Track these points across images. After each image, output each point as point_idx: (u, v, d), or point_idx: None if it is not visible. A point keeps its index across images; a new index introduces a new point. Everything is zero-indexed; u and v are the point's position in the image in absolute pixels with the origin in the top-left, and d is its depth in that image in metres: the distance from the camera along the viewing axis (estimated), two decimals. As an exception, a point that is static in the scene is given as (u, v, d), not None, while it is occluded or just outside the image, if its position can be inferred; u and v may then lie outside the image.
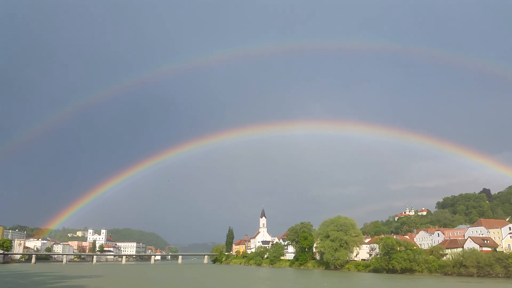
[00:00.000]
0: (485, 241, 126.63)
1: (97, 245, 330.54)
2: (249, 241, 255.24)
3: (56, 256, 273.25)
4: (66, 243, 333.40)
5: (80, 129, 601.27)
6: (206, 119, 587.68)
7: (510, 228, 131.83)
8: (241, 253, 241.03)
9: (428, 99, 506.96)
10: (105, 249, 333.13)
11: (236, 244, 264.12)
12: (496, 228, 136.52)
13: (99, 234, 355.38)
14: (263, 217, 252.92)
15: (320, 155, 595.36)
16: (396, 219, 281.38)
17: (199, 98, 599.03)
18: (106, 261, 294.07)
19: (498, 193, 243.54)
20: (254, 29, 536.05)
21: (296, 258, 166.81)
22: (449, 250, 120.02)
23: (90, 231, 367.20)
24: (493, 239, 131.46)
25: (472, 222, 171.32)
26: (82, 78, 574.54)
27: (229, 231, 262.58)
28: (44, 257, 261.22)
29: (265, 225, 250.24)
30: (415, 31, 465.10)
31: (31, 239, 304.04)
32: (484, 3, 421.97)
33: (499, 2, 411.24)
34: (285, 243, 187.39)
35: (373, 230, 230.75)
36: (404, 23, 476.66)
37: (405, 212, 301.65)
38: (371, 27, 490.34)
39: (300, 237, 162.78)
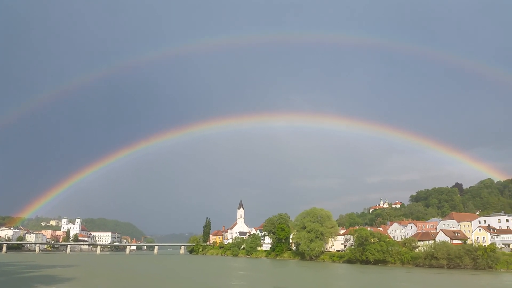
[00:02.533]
0: (456, 234, 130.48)
1: (71, 235, 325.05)
2: (227, 232, 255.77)
3: (28, 245, 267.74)
4: (39, 232, 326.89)
5: (57, 115, 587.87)
6: (188, 107, 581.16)
7: (479, 221, 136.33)
8: (218, 244, 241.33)
9: (407, 94, 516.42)
10: (79, 238, 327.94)
11: (213, 235, 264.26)
12: (467, 221, 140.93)
13: (74, 223, 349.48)
14: (241, 208, 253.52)
15: (300, 147, 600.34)
16: (370, 211, 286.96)
17: (182, 87, 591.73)
18: (80, 251, 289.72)
19: (469, 187, 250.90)
20: (241, 20, 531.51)
21: (272, 249, 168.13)
22: (421, 242, 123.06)
23: (64, 220, 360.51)
24: (464, 232, 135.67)
25: (444, 216, 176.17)
26: (59, 64, 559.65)
27: (206, 221, 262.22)
28: (16, 246, 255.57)
29: (242, 216, 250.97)
30: (399, 27, 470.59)
31: (2, 228, 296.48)
32: (468, 2, 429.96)
33: (482, 1, 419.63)
34: (262, 234, 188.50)
35: (348, 222, 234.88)
36: (389, 19, 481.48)
37: (379, 205, 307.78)
38: (358, 21, 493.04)
39: (277, 228, 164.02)
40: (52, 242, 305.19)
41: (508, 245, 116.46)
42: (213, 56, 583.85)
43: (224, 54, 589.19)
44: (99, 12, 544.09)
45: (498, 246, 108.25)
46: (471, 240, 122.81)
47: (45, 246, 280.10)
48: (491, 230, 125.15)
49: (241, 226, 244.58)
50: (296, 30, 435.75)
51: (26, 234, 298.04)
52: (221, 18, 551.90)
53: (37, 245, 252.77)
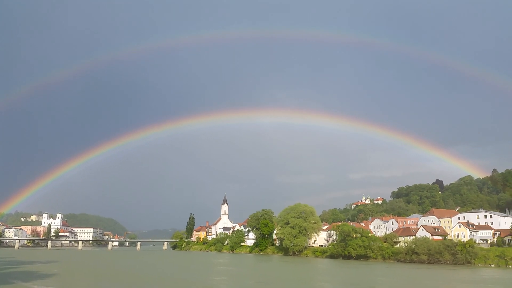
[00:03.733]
0: (436, 230, 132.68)
1: (52, 230, 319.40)
2: (210, 228, 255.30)
3: (7, 241, 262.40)
4: (19, 227, 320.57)
5: (38, 109, 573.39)
6: (174, 102, 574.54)
7: (459, 218, 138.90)
8: (201, 240, 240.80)
9: (390, 92, 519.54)
10: (60, 234, 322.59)
11: (197, 231, 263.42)
12: (447, 217, 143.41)
13: (54, 218, 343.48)
14: (225, 204, 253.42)
15: (285, 143, 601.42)
16: (353, 207, 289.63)
17: (168, 81, 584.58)
18: (61, 247, 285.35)
19: (450, 184, 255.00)
20: (227, 16, 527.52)
21: (256, 244, 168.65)
22: (402, 238, 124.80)
23: (45, 215, 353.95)
24: (444, 228, 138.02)
25: (425, 212, 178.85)
26: (40, 56, 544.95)
27: (190, 217, 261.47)
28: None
29: (226, 212, 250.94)
30: (384, 24, 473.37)
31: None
32: (454, 2, 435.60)
33: (468, 1, 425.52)
34: (246, 230, 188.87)
35: (331, 218, 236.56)
36: (374, 17, 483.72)
37: (362, 201, 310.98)
38: (343, 19, 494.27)
39: (261, 223, 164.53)
40: (33, 237, 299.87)
41: (486, 240, 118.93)
42: (200, 52, 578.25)
43: (210, 50, 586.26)
44: (86, 4, 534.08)
45: (477, 241, 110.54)
46: (451, 236, 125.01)
47: (25, 241, 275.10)
48: (470, 226, 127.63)
49: (225, 222, 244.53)
50: (282, 27, 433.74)
51: (5, 230, 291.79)
52: (208, 14, 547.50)
53: (16, 240, 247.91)
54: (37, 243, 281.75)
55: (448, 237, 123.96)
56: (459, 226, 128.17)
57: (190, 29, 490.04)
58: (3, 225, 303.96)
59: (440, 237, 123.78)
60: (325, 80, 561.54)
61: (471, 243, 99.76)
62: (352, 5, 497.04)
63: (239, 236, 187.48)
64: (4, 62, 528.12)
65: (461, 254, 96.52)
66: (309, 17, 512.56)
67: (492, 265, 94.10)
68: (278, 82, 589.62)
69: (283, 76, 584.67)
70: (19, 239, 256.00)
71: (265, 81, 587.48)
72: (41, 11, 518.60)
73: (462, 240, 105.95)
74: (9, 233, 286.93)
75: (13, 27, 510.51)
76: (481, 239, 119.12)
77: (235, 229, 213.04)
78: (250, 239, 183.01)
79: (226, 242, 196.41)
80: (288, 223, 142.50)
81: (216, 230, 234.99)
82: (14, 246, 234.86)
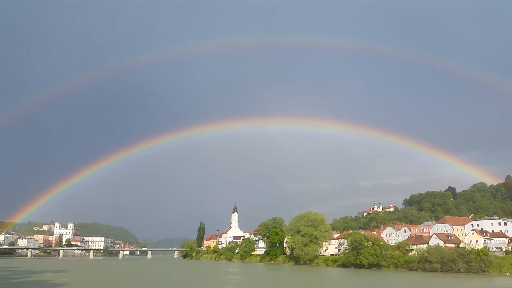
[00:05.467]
0: (449, 238, 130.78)
1: (64, 239, 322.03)
2: (221, 236, 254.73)
3: (20, 250, 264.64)
4: (31, 237, 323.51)
5: (49, 119, 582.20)
6: (183, 111, 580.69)
7: (472, 225, 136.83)
8: (212, 249, 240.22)
9: (399, 98, 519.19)
10: (72, 243, 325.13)
11: (207, 240, 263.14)
12: (460, 225, 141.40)
13: (66, 228, 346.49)
14: (235, 212, 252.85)
15: (293, 151, 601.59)
16: (364, 215, 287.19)
17: (176, 90, 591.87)
18: (73, 256, 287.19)
19: (462, 191, 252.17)
20: (233, 24, 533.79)
21: (266, 253, 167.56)
22: (415, 246, 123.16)
23: (57, 225, 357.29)
24: (457, 235, 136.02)
25: (437, 219, 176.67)
26: (52, 67, 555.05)
27: (200, 226, 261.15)
28: (7, 251, 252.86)
29: (236, 220, 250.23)
30: (391, 31, 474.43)
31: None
32: (460, 7, 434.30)
33: (474, 6, 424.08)
34: (256, 238, 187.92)
35: (342, 226, 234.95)
36: (381, 23, 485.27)
37: (373, 208, 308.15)
38: (350, 25, 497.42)
39: (271, 232, 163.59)
40: (45, 247, 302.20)
41: (501, 248, 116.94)
42: (207, 60, 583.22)
43: (217, 58, 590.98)
44: (94, 15, 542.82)
45: (491, 249, 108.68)
46: (464, 243, 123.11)
47: (37, 251, 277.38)
48: (484, 233, 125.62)
49: (235, 230, 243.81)
50: (288, 34, 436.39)
51: (18, 239, 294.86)
52: (214, 22, 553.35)
53: (29, 250, 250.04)
54: (49, 253, 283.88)
55: (461, 245, 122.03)
56: (473, 233, 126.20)
57: (198, 39, 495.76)
58: (16, 235, 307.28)
59: (453, 245, 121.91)
60: (333, 87, 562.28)
61: (485, 251, 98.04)
62: (358, 12, 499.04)
63: (249, 245, 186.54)
64: (17, 75, 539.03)
65: (475, 262, 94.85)
66: (315, 25, 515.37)
67: (507, 274, 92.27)
68: (285, 90, 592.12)
69: (290, 83, 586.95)
70: (32, 249, 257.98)
71: (272, 88, 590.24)
72: (50, 24, 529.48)
73: (476, 248, 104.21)
74: (22, 242, 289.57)
75: (30, 39, 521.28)
76: (495, 247, 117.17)
77: (245, 237, 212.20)
78: (261, 247, 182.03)
79: (236, 251, 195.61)
80: (298, 232, 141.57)
81: (226, 239, 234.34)
82: (27, 256, 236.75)
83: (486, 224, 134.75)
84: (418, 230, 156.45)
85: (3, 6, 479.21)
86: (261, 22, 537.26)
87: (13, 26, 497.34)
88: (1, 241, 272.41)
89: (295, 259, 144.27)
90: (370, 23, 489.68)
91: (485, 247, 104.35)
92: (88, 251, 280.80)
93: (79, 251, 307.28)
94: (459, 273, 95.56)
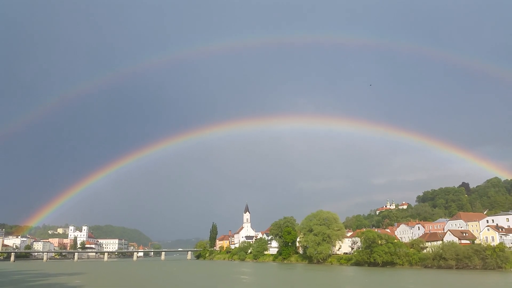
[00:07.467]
0: (464, 234, 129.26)
1: (79, 242, 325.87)
2: (233, 237, 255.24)
3: (36, 253, 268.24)
4: (47, 240, 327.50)
5: (62, 122, 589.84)
6: (194, 112, 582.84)
7: (487, 221, 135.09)
8: (224, 249, 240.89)
9: (411, 94, 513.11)
10: (86, 246, 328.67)
11: (220, 240, 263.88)
12: (475, 221, 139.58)
13: (80, 231, 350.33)
14: (247, 212, 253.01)
15: (305, 149, 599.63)
16: (377, 213, 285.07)
17: (187, 91, 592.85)
18: (87, 258, 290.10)
19: (476, 186, 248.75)
20: (244, 24, 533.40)
21: (279, 253, 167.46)
22: (429, 243, 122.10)
23: (71, 228, 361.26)
24: (472, 232, 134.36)
25: (452, 216, 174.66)
26: (65, 69, 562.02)
27: (212, 226, 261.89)
28: (24, 255, 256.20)
29: (248, 220, 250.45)
30: (401, 27, 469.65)
31: (10, 236, 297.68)
32: (469, 1, 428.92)
33: (483, 0, 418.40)
34: (269, 238, 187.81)
35: (355, 224, 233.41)
36: (390, 19, 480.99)
37: (386, 206, 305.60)
38: (359, 22, 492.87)
39: (284, 231, 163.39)
40: (60, 250, 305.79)
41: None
42: (218, 61, 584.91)
43: (228, 58, 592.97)
44: (104, 18, 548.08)
45: (507, 245, 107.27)
46: (480, 240, 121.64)
47: (53, 254, 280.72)
48: (500, 229, 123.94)
49: (247, 230, 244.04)
50: (298, 33, 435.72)
51: (34, 243, 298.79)
52: (225, 23, 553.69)
53: (44, 253, 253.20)
54: (64, 255, 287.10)
55: (476, 241, 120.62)
56: (488, 229, 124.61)
57: (208, 39, 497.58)
58: (31, 238, 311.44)
59: (468, 242, 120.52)
60: (344, 84, 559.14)
61: (501, 247, 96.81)
62: (367, 8, 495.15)
63: (262, 245, 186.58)
64: (31, 79, 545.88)
65: (491, 259, 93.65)
66: (325, 23, 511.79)
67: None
68: (296, 89, 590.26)
69: (301, 82, 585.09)
70: (47, 252, 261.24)
71: (283, 87, 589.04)
72: (68, 27, 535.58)
73: (492, 244, 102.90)
74: (38, 246, 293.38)
75: (41, 43, 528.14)
76: (511, 243, 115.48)
77: (258, 237, 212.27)
78: (273, 247, 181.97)
79: (249, 251, 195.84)
80: (311, 231, 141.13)
81: (239, 239, 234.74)
82: (43, 259, 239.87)
83: (502, 220, 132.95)
84: (432, 227, 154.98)
85: (17, 11, 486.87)
86: (270, 22, 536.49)
87: (27, 31, 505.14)
88: (18, 245, 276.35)
89: (308, 258, 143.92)
90: (379, 19, 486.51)
91: (501, 243, 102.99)
92: (103, 253, 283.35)
93: (94, 254, 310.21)
94: (475, 269, 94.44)
